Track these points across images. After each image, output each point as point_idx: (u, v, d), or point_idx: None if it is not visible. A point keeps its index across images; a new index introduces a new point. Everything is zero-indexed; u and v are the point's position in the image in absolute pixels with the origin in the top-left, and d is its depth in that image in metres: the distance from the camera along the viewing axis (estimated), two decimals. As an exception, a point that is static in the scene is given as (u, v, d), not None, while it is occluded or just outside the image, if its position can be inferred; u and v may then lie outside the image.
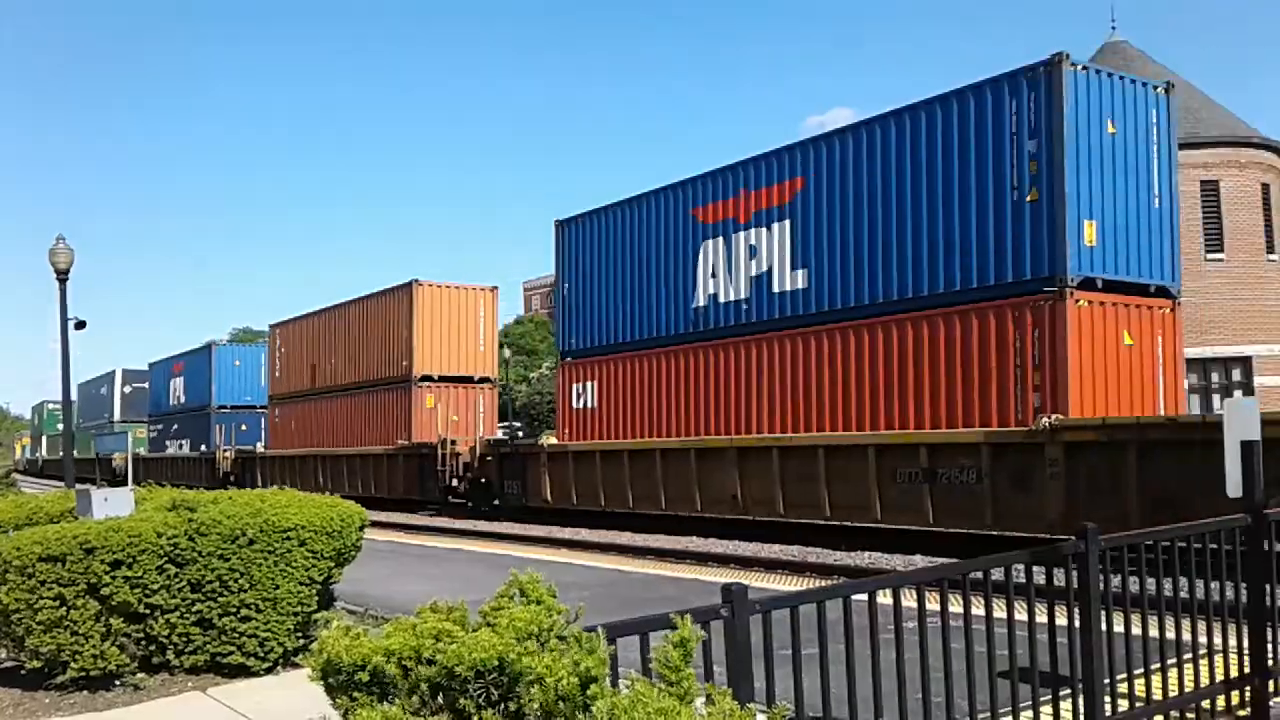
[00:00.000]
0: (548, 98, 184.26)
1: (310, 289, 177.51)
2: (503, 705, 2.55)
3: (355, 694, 2.64)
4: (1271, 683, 6.20)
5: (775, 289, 20.64)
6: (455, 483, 28.64)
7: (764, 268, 20.93)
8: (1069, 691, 5.18)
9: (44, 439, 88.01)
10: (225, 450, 42.92)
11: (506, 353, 58.84)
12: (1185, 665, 5.94)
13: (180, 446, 50.16)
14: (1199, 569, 5.99)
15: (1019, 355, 16.48)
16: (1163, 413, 16.72)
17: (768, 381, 20.56)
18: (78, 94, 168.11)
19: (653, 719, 2.24)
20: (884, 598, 4.50)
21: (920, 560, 16.11)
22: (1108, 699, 5.33)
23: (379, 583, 13.55)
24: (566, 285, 26.37)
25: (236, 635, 8.00)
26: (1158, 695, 5.67)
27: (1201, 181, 29.65)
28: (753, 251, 21.17)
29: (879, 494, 17.91)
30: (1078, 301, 16.02)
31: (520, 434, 35.73)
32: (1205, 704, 5.96)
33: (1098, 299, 16.39)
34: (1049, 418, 15.66)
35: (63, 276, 24.52)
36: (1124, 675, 5.55)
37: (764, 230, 20.92)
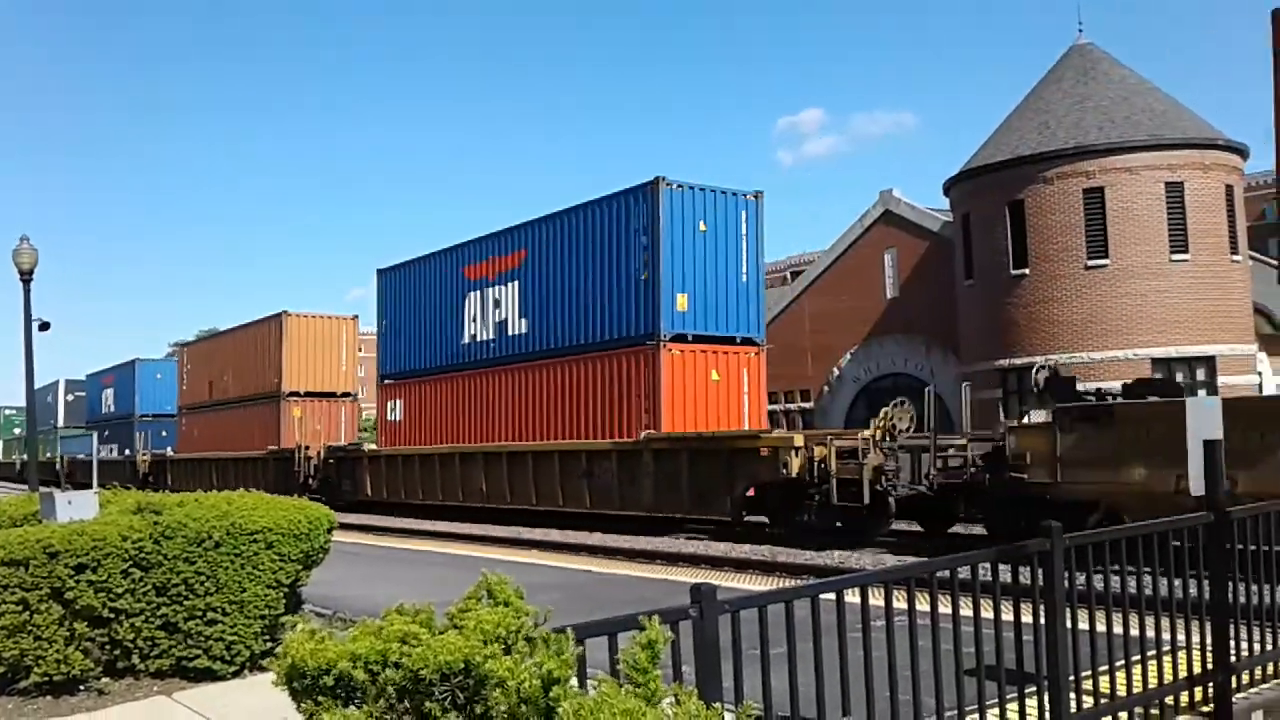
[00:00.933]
0: (513, 99, 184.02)
1: (276, 291, 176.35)
2: (469, 708, 2.54)
3: (320, 699, 2.62)
4: (1234, 679, 6.28)
5: (510, 332, 27.49)
6: (310, 481, 33.69)
7: (503, 316, 27.76)
8: (1035, 689, 5.23)
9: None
10: (144, 454, 48.20)
11: None
12: (1149, 662, 5.99)
13: (111, 451, 54.19)
14: (1162, 566, 6.05)
15: (635, 387, 23.12)
16: (746, 427, 23.33)
17: (503, 403, 27.43)
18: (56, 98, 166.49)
19: (618, 719, 2.24)
20: (852, 596, 4.53)
21: (889, 559, 16.21)
22: (1073, 696, 5.38)
23: (348, 585, 13.46)
24: (384, 322, 33.31)
25: (203, 639, 7.92)
26: (1122, 692, 5.72)
27: (1167, 183, 29.98)
28: (497, 303, 28.02)
29: (561, 486, 24.69)
30: (670, 350, 22.71)
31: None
32: (1169, 700, 6.02)
33: (688, 348, 23.15)
34: (645, 432, 22.57)
35: (26, 277, 24.22)
36: (1089, 672, 5.59)
37: (504, 287, 27.73)
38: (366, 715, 2.56)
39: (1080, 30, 35.05)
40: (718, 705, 2.66)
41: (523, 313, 26.77)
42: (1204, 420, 6.24)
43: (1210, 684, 6.13)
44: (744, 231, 23.85)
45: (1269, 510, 6.68)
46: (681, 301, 22.87)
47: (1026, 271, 31.24)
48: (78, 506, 8.57)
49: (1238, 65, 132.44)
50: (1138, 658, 5.92)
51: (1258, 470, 12.14)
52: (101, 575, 7.63)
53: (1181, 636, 6.12)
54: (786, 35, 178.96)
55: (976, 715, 4.97)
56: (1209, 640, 6.19)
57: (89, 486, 27.29)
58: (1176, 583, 6.11)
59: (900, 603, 4.70)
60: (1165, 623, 6.10)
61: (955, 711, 4.87)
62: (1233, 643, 6.26)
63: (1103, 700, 5.59)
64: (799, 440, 19.46)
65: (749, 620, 4.06)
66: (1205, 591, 6.24)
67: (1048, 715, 5.22)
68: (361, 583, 14.28)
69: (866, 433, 18.65)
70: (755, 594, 4.31)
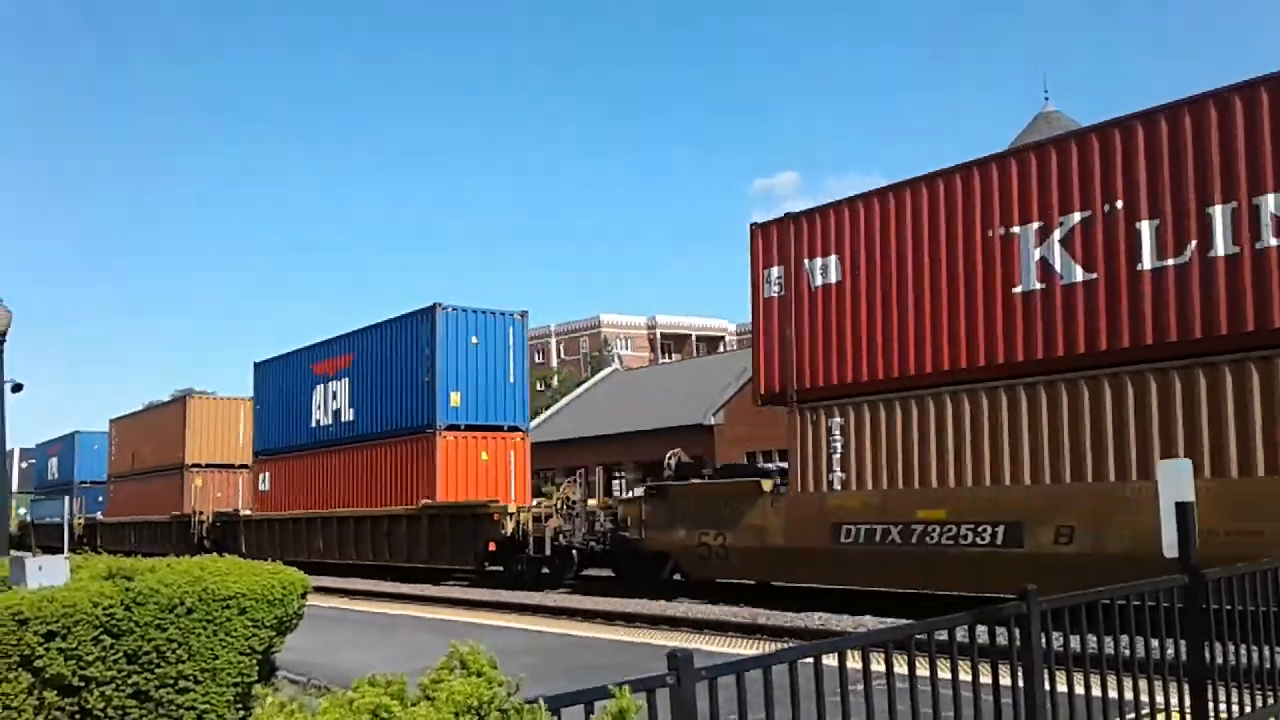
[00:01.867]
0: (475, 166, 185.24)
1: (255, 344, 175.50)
2: (441, 782, 2.51)
3: (290, 772, 2.59)
4: (1213, 741, 6.27)
5: (343, 419, 33.50)
6: (204, 541, 38.73)
7: (338, 405, 33.65)
8: (1014, 753, 5.20)
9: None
10: (79, 518, 52.90)
11: None
12: (1128, 724, 5.98)
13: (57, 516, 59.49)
14: (1139, 629, 6.06)
15: (418, 466, 29.44)
16: (513, 498, 28.24)
17: (338, 476, 33.47)
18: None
19: (590, 794, 2.22)
20: (830, 660, 4.52)
21: (871, 621, 16.13)
22: (1053, 760, 5.35)
23: (323, 651, 13.29)
24: (258, 406, 39.22)
25: (174, 707, 7.78)
26: (1102, 755, 5.70)
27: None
28: (334, 395, 33.92)
29: (371, 543, 31.13)
30: (444, 436, 28.96)
31: None
32: (1149, 763, 6.00)
33: (461, 435, 29.22)
34: (423, 501, 28.72)
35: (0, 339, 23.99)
36: (1069, 735, 5.57)
37: (340, 382, 33.67)
38: (337, 790, 2.53)
39: (1046, 97, 35.86)
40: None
41: (351, 403, 33.13)
42: (1176, 483, 6.29)
43: (1190, 746, 6.12)
44: (510, 343, 30.31)
45: (1244, 573, 6.71)
46: (455, 398, 29.10)
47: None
48: (48, 572, 8.44)
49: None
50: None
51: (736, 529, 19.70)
52: (71, 642, 7.49)
53: (1160, 698, 6.11)
54: (765, 101, 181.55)
55: (956, 781, 4.94)
56: (1188, 702, 6.19)
57: (49, 550, 27.11)
58: (1155, 644, 6.13)
59: (880, 665, 4.69)
60: (1144, 685, 6.09)
61: (935, 777, 4.83)
62: (1210, 704, 6.26)
63: (1083, 764, 5.56)
64: (512, 508, 26.12)
65: (728, 686, 4.04)
66: (1182, 653, 6.25)
67: (1028, 780, 5.19)
68: (337, 649, 14.10)
69: (549, 502, 26.12)
70: (734, 660, 4.29)
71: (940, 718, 4.87)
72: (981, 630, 5.23)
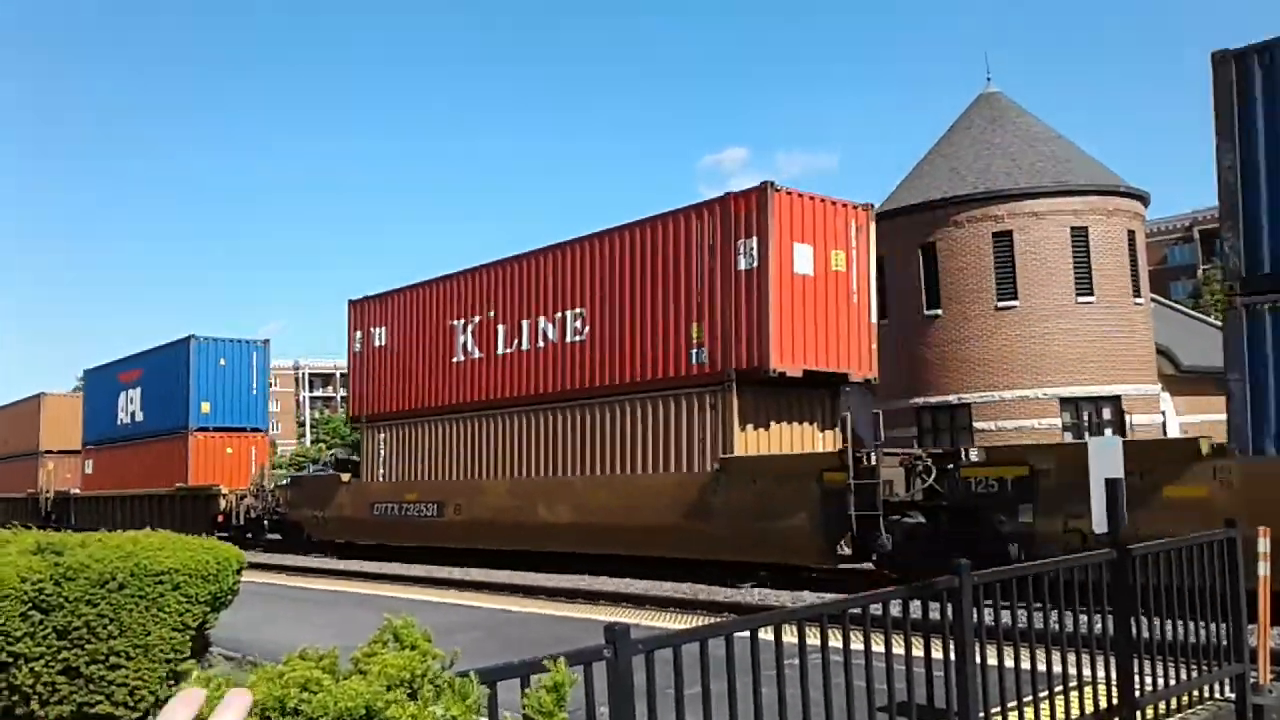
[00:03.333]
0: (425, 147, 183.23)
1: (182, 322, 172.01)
2: (373, 755, 2.49)
3: (218, 747, 2.54)
4: (1139, 713, 6.42)
5: (136, 419, 41.48)
6: (51, 516, 44.89)
7: (133, 408, 41.64)
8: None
9: None
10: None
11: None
12: (1057, 697, 6.10)
13: None
14: (1068, 602, 6.18)
15: (174, 459, 37.29)
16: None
17: (131, 464, 41.19)
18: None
19: (522, 765, 2.22)
20: (767, 634, 4.55)
21: (809, 597, 16.31)
22: (983, 732, 5.46)
23: (259, 628, 13.15)
24: (87, 406, 46.46)
25: (105, 684, 7.66)
26: (1030, 727, 5.82)
27: (1072, 228, 30.89)
28: (131, 400, 41.74)
29: (147, 516, 34.26)
30: (195, 436, 36.54)
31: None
32: (1077, 734, 6.15)
33: (211, 435, 36.77)
34: (177, 484, 36.63)
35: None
36: (999, 707, 5.68)
37: (135, 390, 41.22)
38: (266, 764, 2.50)
39: (989, 79, 36.16)
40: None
41: (141, 407, 40.37)
42: (1106, 460, 6.42)
43: (1116, 718, 6.27)
44: (254, 365, 38.30)
45: (1169, 548, 6.87)
46: (205, 407, 36.86)
47: (939, 312, 31.90)
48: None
49: (1138, 117, 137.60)
50: (1045, 693, 6.03)
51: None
52: (-1, 618, 7.35)
53: (1088, 672, 6.25)
54: (712, 78, 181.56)
55: (888, 752, 5.02)
56: (1114, 675, 6.33)
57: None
58: (1084, 619, 6.26)
59: (815, 639, 4.74)
60: (1073, 658, 6.22)
61: (867, 749, 4.91)
62: (1136, 677, 6.41)
63: (1011, 735, 5.67)
64: (225, 489, 35.07)
65: (665, 660, 4.06)
66: (1110, 626, 6.38)
67: (958, 751, 5.29)
68: (273, 625, 13.96)
69: (250, 485, 34.95)
70: (670, 633, 4.31)
71: (874, 689, 4.94)
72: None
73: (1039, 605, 6.00)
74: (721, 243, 20.35)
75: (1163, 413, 32.10)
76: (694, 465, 20.25)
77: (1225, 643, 7.24)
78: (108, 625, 7.63)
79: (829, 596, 14.03)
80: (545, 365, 23.87)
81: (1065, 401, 30.49)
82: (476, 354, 25.79)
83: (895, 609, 5.24)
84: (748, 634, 4.49)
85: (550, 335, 23.87)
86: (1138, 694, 6.37)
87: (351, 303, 30.76)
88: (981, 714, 5.44)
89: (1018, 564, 6.07)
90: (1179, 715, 6.92)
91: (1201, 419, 33.08)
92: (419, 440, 27.44)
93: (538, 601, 17.16)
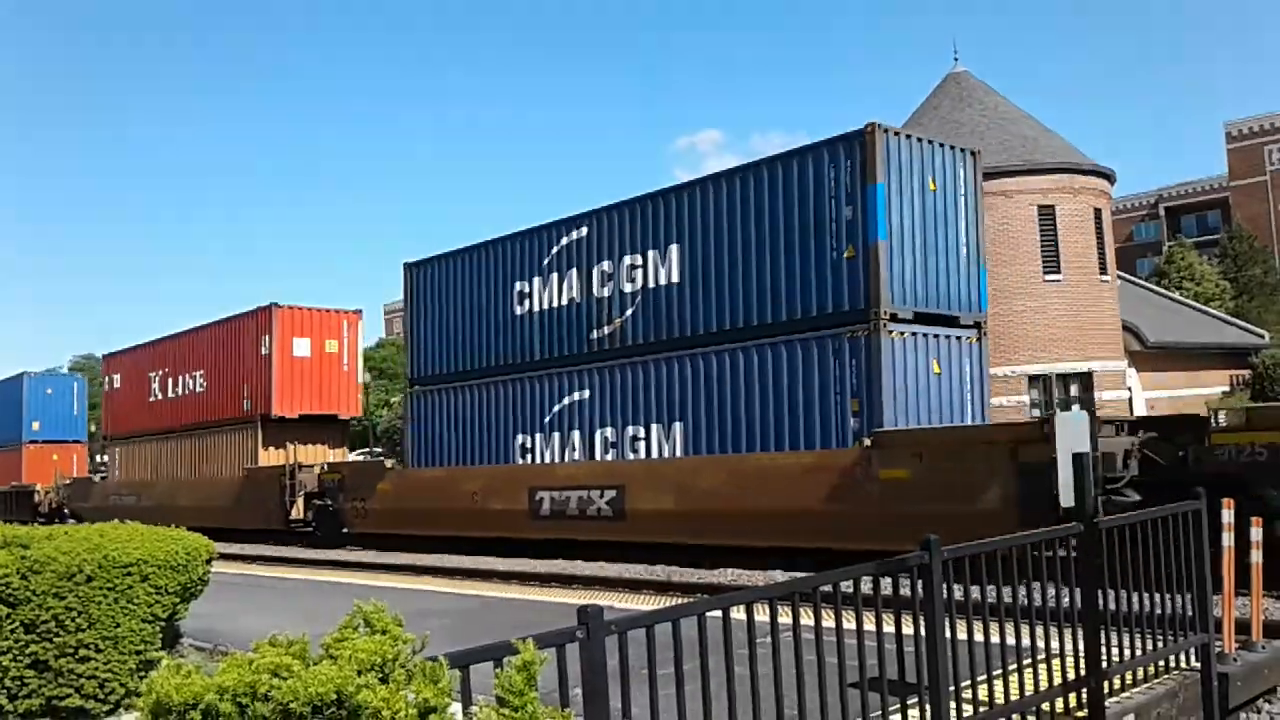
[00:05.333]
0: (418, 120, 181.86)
1: (170, 310, 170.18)
2: (343, 739, 2.49)
3: (188, 734, 2.54)
4: (1106, 684, 6.50)
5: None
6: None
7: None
8: (917, 699, 5.35)
9: None
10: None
11: (366, 377, 58.95)
12: (1026, 670, 6.17)
13: None
14: (1036, 576, 6.25)
15: (11, 465, 48.19)
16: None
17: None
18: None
19: (493, 744, 2.22)
20: (739, 613, 4.57)
21: (780, 575, 16.38)
22: (954, 705, 5.51)
23: (230, 618, 13.08)
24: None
25: (74, 677, 7.61)
26: (1001, 699, 5.88)
27: (1039, 206, 31.09)
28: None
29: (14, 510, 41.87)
30: (28, 448, 47.29)
31: (382, 458, 36.46)
32: (1046, 706, 6.21)
33: (40, 447, 46.36)
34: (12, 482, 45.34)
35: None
36: (969, 681, 5.74)
37: None
38: (236, 750, 2.49)
39: (956, 59, 36.31)
40: (599, 726, 2.65)
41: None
42: (1073, 433, 6.48)
43: (1084, 689, 6.34)
44: (75, 391, 49.56)
45: (1135, 520, 6.95)
46: (35, 425, 47.71)
47: (910, 291, 32.01)
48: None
49: (1103, 95, 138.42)
50: (1014, 666, 6.10)
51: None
52: (-36, 613, 7.29)
53: (1056, 644, 6.32)
54: (688, 59, 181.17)
55: (861, 727, 5.06)
56: (1082, 647, 6.41)
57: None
58: (1053, 592, 6.33)
59: (787, 618, 4.76)
60: (1041, 631, 6.29)
61: (840, 724, 4.95)
62: (1104, 649, 6.49)
63: (982, 708, 5.74)
64: (41, 489, 44.12)
65: (638, 641, 4.07)
66: (1077, 599, 6.46)
67: (929, 724, 5.35)
68: (244, 615, 13.89)
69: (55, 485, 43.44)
70: (642, 614, 4.32)
71: (845, 667, 4.98)
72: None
73: (1008, 582, 6.06)
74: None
75: (1129, 388, 32.46)
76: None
77: (1190, 613, 7.35)
78: (76, 618, 7.57)
79: (800, 575, 14.07)
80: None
81: (1033, 379, 30.74)
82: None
83: (866, 586, 5.28)
84: (720, 613, 4.51)
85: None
86: (1105, 665, 6.45)
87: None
88: (952, 687, 5.49)
89: (988, 539, 6.11)
90: (1145, 685, 7.01)
91: (1168, 394, 33.47)
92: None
93: (510, 586, 17.15)
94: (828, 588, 5.14)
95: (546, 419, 23.27)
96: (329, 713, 2.45)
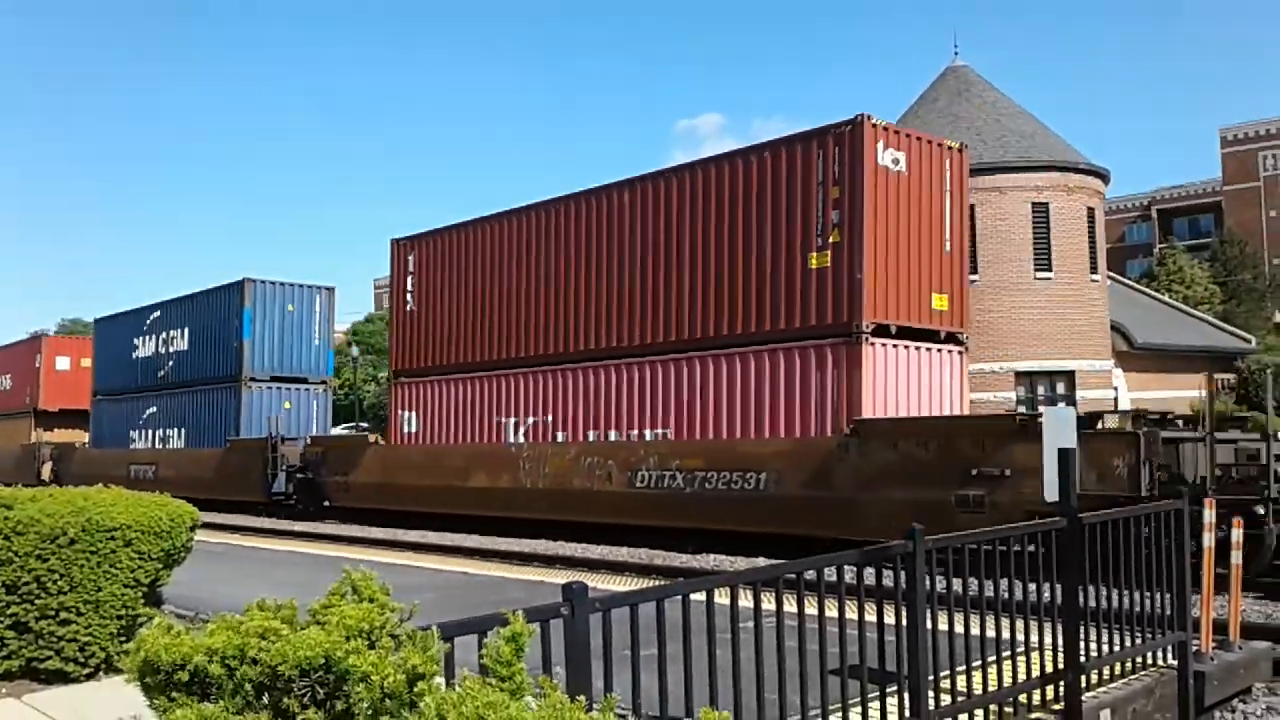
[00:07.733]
0: (409, 98, 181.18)
1: (155, 278, 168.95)
2: (329, 704, 2.50)
3: (174, 694, 2.54)
4: (1083, 678, 6.55)
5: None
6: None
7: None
8: (896, 688, 5.38)
9: None
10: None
11: (355, 350, 58.69)
12: (1005, 662, 6.21)
13: None
14: (1018, 569, 6.28)
15: None
16: None
17: None
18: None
19: (481, 712, 2.22)
20: (722, 597, 4.58)
21: (763, 561, 16.44)
22: (932, 694, 5.55)
23: (213, 585, 13.05)
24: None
25: (55, 639, 7.60)
26: (979, 690, 5.92)
27: (1033, 204, 31.13)
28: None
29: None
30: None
31: (365, 434, 36.49)
32: (1023, 698, 6.26)
33: None
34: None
35: None
36: (948, 671, 5.77)
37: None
38: (223, 710, 2.49)
39: (956, 52, 36.24)
40: (582, 698, 2.66)
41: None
42: (1059, 430, 6.50)
43: (1062, 682, 6.39)
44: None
45: (1118, 517, 6.99)
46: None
47: (901, 284, 32.04)
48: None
49: (1101, 96, 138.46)
50: (993, 658, 6.13)
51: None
52: (-54, 572, 7.28)
53: (1035, 638, 6.36)
54: (689, 44, 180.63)
55: (840, 713, 5.08)
56: (1060, 640, 6.45)
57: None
58: (1032, 586, 6.36)
59: (771, 603, 4.78)
60: (1021, 624, 6.33)
61: (819, 710, 4.97)
62: (1082, 643, 6.53)
63: (960, 698, 5.77)
64: None
65: (622, 620, 4.08)
66: (1058, 594, 6.50)
67: (908, 713, 5.38)
68: (228, 583, 13.87)
69: None
70: (627, 593, 4.33)
71: (826, 654, 5.00)
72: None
73: (990, 575, 6.09)
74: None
75: (1115, 388, 32.59)
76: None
77: (1169, 611, 7.40)
78: (58, 580, 7.56)
79: (783, 561, 14.12)
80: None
81: (1020, 375, 30.84)
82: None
83: (849, 574, 5.30)
84: (703, 595, 4.52)
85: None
86: (1083, 658, 6.49)
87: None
88: (931, 676, 5.53)
89: (971, 531, 6.14)
90: (1122, 680, 7.07)
91: (1153, 395, 33.60)
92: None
93: (494, 564, 17.17)
94: (811, 574, 5.16)
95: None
96: (316, 676, 2.45)
